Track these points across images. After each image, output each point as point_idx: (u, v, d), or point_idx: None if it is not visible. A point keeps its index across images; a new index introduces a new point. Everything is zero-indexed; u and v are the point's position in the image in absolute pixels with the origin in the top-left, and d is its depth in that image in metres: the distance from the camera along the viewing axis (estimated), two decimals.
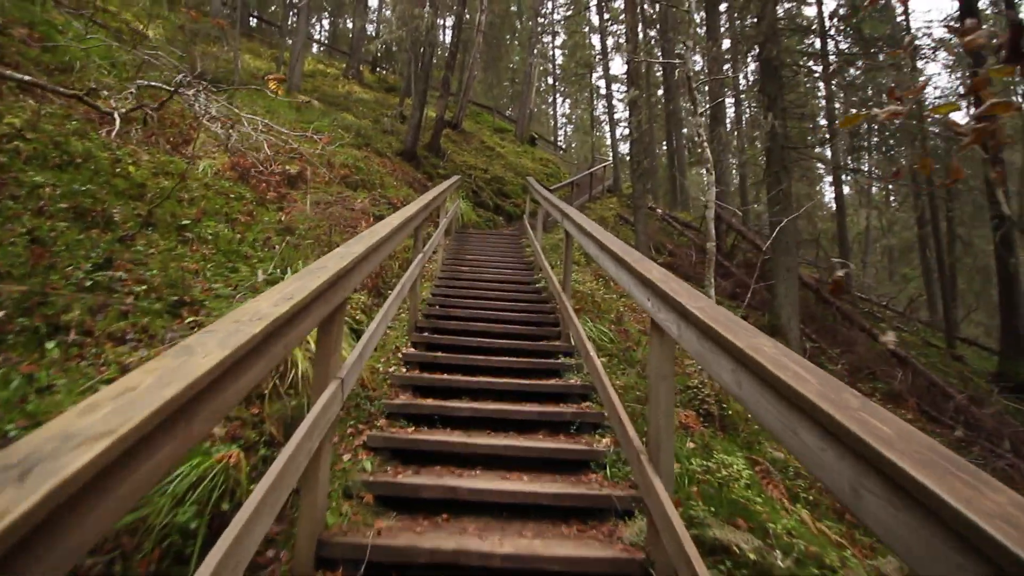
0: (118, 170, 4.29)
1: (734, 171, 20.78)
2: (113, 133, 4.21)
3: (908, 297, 19.25)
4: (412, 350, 3.85)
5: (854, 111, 18.08)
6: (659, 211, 15.06)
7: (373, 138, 11.10)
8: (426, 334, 4.12)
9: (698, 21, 21.52)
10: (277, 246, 4.33)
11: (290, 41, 17.35)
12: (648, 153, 9.46)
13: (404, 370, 3.51)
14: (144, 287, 2.90)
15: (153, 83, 5.46)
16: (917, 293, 20.84)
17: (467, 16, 19.45)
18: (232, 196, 5.13)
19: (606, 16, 22.51)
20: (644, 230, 8.35)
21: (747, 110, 21.22)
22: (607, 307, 5.20)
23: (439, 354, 3.77)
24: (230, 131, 5.62)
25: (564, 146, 33.53)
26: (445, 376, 3.42)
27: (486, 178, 13.68)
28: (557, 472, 2.54)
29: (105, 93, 5.66)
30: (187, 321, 2.83)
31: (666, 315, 1.82)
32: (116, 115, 4.27)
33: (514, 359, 3.74)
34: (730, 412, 3.78)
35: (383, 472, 2.35)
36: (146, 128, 5.91)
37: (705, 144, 4.04)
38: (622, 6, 23.47)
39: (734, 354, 1.31)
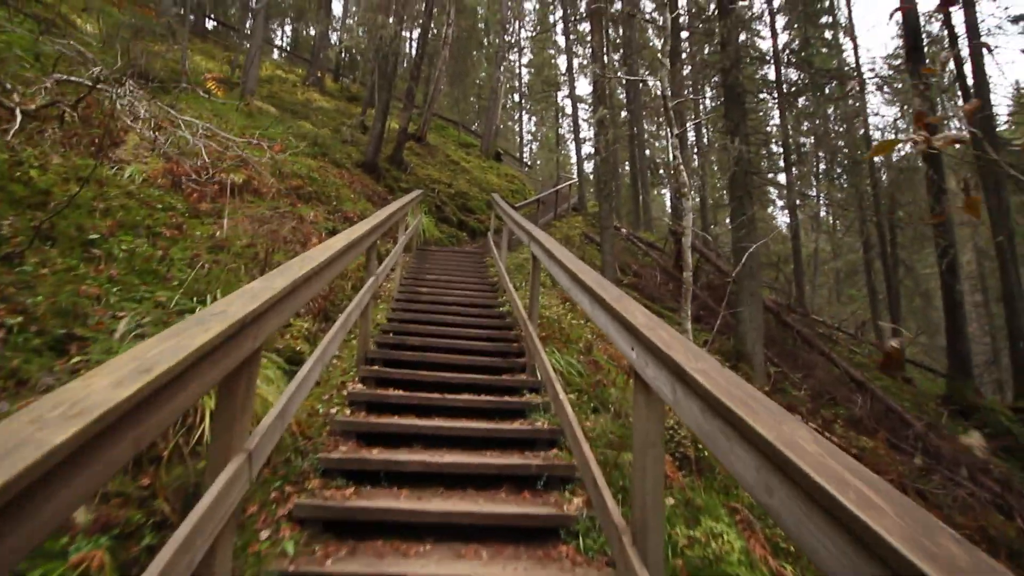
0: (18, 174, 3.70)
1: (694, 193, 21.24)
2: (11, 132, 3.62)
3: (853, 316, 20.07)
4: (359, 387, 3.41)
5: (811, 139, 18.84)
6: (623, 231, 15.10)
7: (331, 148, 10.57)
8: (377, 367, 3.69)
9: (659, 45, 22.15)
10: (207, 265, 3.81)
11: (247, 44, 16.62)
12: (613, 173, 9.36)
13: (348, 412, 3.06)
14: (21, 318, 2.37)
15: (72, 78, 4.85)
16: (865, 315, 21.75)
17: (433, 30, 19.25)
18: (160, 206, 4.57)
19: (572, 37, 22.80)
20: (611, 251, 8.18)
21: (706, 135, 21.82)
22: (575, 335, 4.90)
23: (391, 391, 3.34)
24: (155, 132, 5.04)
25: (530, 163, 33.68)
26: (396, 420, 3.00)
27: (450, 193, 13.33)
28: (522, 543, 2.16)
29: (20, 88, 5.01)
30: (73, 361, 2.32)
31: (656, 372, 1.51)
32: (18, 111, 3.68)
33: (475, 397, 3.36)
34: (706, 453, 3.52)
35: (309, 555, 1.92)
36: (64, 128, 5.27)
37: (681, 167, 3.85)
38: (587, 28, 23.90)
39: (759, 447, 1.00)
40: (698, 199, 20.17)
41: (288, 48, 31.07)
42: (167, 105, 9.40)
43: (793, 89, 14.59)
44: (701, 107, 18.71)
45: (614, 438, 3.09)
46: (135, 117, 5.21)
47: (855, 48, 15.65)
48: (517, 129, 38.00)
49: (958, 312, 10.47)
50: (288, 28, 33.59)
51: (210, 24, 23.97)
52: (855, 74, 14.98)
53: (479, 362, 3.98)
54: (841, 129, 20.44)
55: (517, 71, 34.26)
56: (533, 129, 39.76)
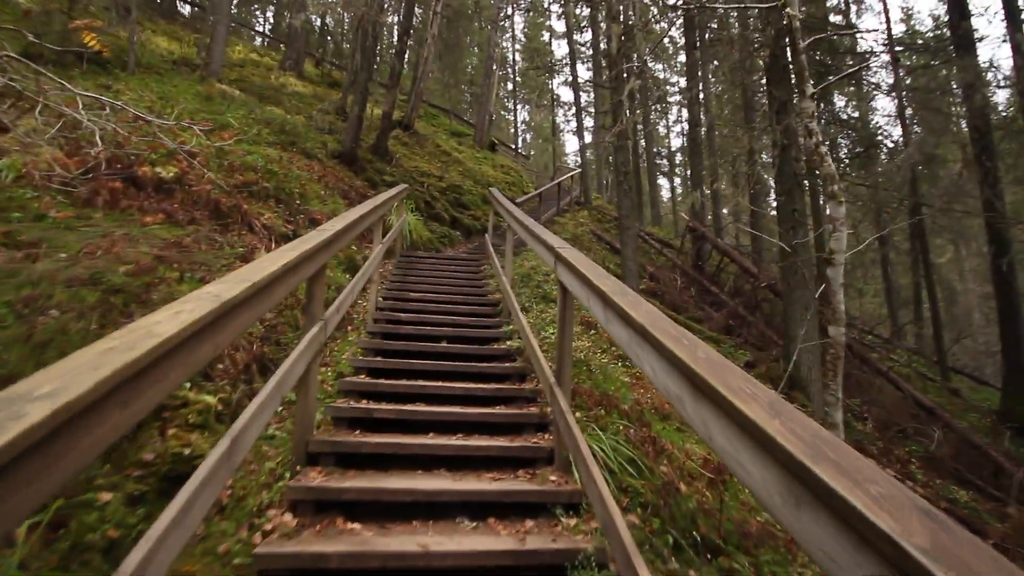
0: None
1: (704, 185, 19.89)
2: None
3: (868, 314, 18.97)
4: (285, 521, 2.04)
5: (817, 125, 17.49)
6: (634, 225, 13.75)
7: (301, 136, 9.12)
8: (319, 476, 2.32)
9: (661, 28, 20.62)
10: (52, 313, 2.42)
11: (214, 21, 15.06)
12: (631, 164, 7.89)
13: None
14: None
15: None
16: (877, 311, 20.58)
17: (419, 14, 17.68)
18: (18, 215, 3.16)
19: (572, 20, 21.22)
20: (633, 256, 6.83)
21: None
22: (611, 385, 3.55)
23: (339, 539, 1.98)
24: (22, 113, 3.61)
25: (525, 153, 32.23)
26: None
27: (441, 187, 11.90)
28: None
29: None
30: None
31: None
32: None
33: (482, 541, 2.00)
34: None
35: None
36: None
37: (823, 147, 2.46)
38: (586, 12, 22.36)
39: None
40: (707, 190, 18.85)
41: (270, 34, 29.37)
42: (102, 85, 7.92)
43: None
44: (712, 92, 17.27)
45: None
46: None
47: (887, 19, 14.22)
48: (511, 119, 36.55)
49: (1016, 318, 9.25)
50: (270, 15, 31.86)
51: (187, 10, 22.26)
52: (885, 48, 13.60)
53: (483, 450, 2.62)
54: (855, 115, 19.14)
55: (511, 59, 32.71)
56: (527, 118, 38.31)
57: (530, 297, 5.67)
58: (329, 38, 25.53)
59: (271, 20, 32.06)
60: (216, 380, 2.77)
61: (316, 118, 10.65)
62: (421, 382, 3.29)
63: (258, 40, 27.36)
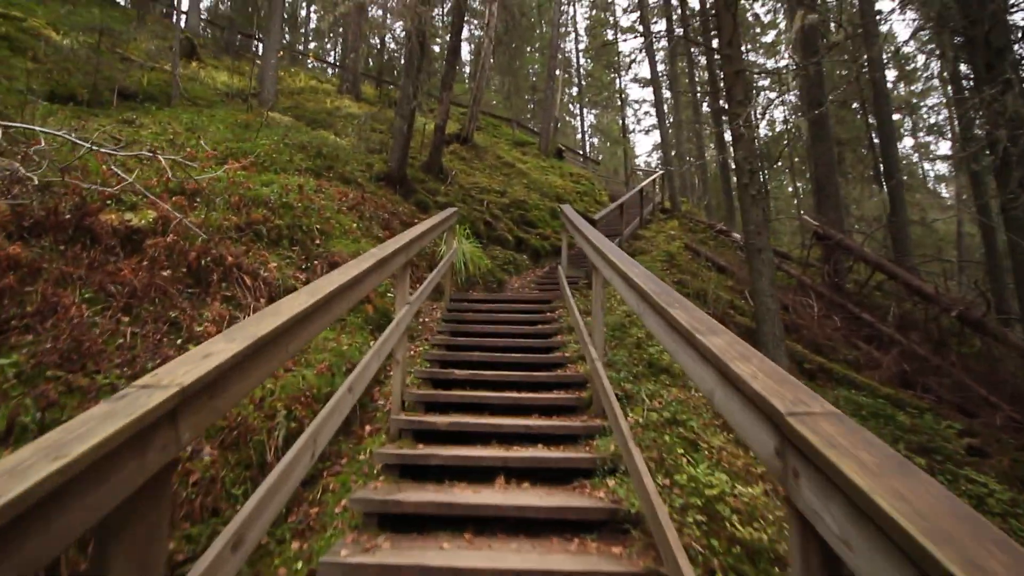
0: None
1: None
2: None
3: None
4: None
5: None
6: (734, 235, 11.41)
7: (340, 160, 7.93)
8: None
9: None
10: None
11: (288, 59, 14.76)
12: (756, 160, 5.68)
13: None
14: None
15: None
16: None
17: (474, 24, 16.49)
18: None
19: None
20: (772, 291, 4.75)
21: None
22: None
23: None
24: None
25: (595, 158, 30.23)
26: None
27: (503, 203, 10.36)
28: None
29: None
30: None
31: None
32: None
33: None
34: None
35: None
36: None
37: None
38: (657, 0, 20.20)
39: None
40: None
41: (335, 63, 29.88)
42: (124, 120, 7.19)
43: None
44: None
45: None
46: None
47: None
48: (577, 124, 34.78)
49: None
50: (339, 47, 32.66)
51: (258, 47, 22.83)
52: None
53: None
54: None
55: (574, 61, 31.06)
56: (594, 121, 36.27)
57: (627, 365, 3.83)
58: (386, 57, 25.32)
59: (339, 51, 32.86)
60: None
61: (359, 137, 9.51)
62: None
63: (330, 71, 27.80)
